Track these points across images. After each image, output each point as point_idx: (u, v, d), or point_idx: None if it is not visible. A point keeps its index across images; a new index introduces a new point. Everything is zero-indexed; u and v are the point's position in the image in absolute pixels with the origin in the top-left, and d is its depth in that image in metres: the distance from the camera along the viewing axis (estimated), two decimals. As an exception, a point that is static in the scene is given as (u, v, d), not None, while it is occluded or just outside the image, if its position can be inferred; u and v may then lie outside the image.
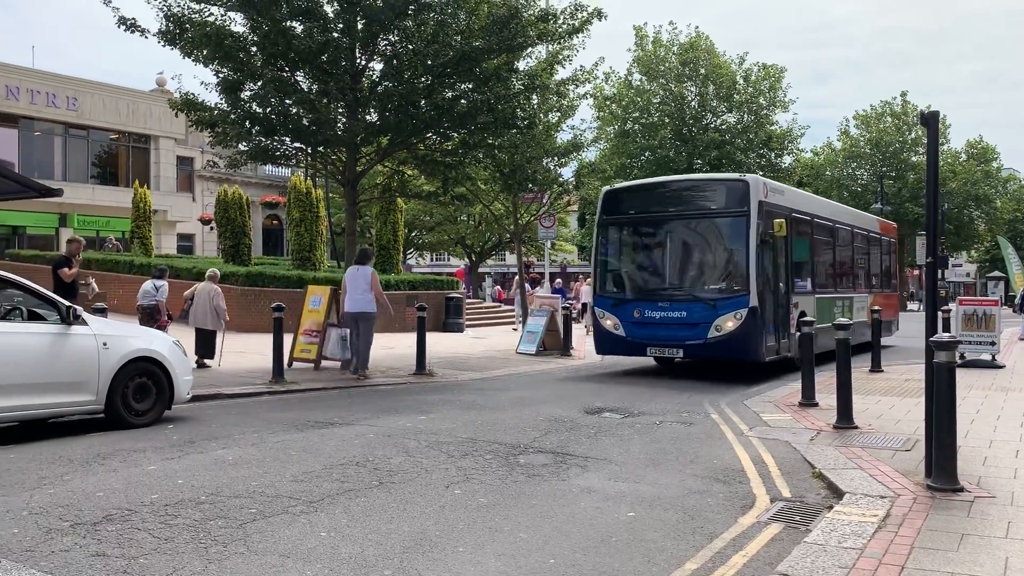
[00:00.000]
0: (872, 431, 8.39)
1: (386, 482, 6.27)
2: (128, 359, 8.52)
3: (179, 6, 12.98)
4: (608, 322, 13.97)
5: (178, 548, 4.65)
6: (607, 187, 15.08)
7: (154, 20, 13.13)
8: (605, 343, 14.23)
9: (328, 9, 13.34)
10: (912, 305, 59.35)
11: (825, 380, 11.57)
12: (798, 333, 13.19)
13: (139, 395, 8.66)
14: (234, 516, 5.27)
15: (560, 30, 14.28)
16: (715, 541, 5.02)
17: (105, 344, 8.34)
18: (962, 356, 14.45)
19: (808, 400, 10.19)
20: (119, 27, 13.03)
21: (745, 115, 40.83)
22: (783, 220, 13.00)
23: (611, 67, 43.03)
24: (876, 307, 16.79)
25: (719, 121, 40.91)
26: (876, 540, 4.81)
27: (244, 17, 13.08)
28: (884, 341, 17.47)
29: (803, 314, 13.53)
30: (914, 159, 52.91)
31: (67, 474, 6.36)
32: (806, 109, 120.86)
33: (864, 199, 51.18)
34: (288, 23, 12.92)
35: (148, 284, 14.38)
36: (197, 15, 12.98)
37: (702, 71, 40.29)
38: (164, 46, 13.12)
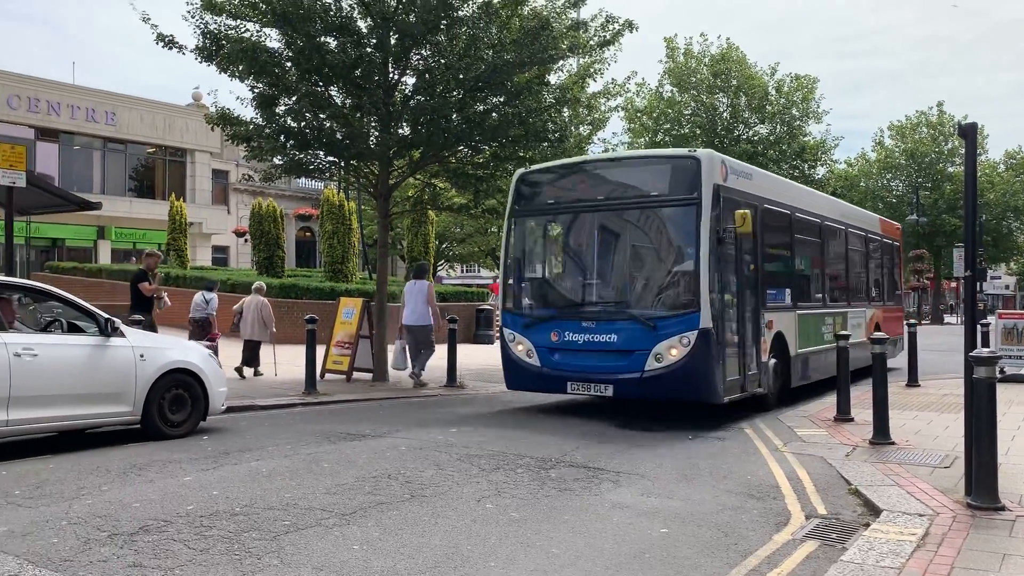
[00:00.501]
0: (909, 447, 8.26)
1: (418, 495, 6.28)
2: (164, 370, 8.64)
3: (216, 23, 13.19)
4: (519, 347, 10.77)
5: (213, 560, 4.69)
6: (521, 170, 11.75)
7: (191, 37, 13.34)
8: (515, 375, 10.98)
9: (361, 25, 13.47)
10: (950, 318, 58.47)
11: (860, 395, 11.43)
12: (772, 361, 11.26)
13: (175, 406, 8.77)
14: (268, 528, 5.31)
15: (591, 42, 14.29)
16: (749, 558, 4.96)
17: (142, 356, 8.47)
18: (1002, 371, 14.18)
19: (843, 415, 10.06)
20: (157, 43, 13.26)
21: (777, 126, 40.62)
22: (749, 212, 9.96)
23: (643, 79, 43.04)
24: (910, 321, 16.27)
25: (751, 132, 40.75)
26: (915, 559, 4.73)
27: (279, 33, 13.25)
28: (889, 363, 16.30)
29: (779, 336, 11.53)
30: (951, 170, 52.27)
31: (104, 484, 6.45)
32: (840, 120, 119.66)
33: (899, 210, 50.62)
34: (322, 39, 13.07)
35: (199, 297, 14.71)
36: (233, 31, 13.18)
37: (734, 82, 40.17)
38: (201, 62, 13.32)
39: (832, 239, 14.67)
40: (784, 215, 12.33)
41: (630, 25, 14.30)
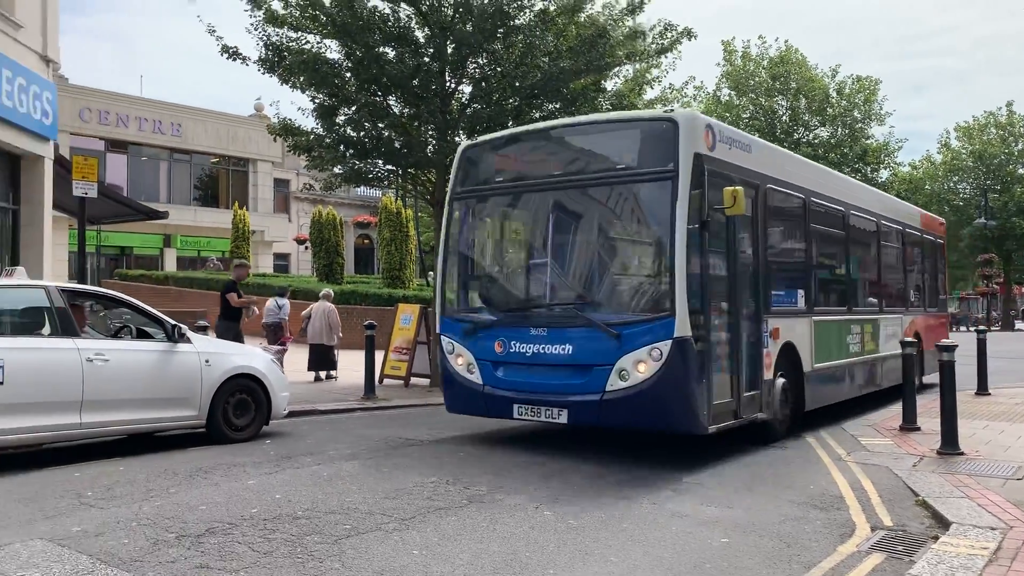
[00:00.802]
0: (979, 458, 8.01)
1: (476, 501, 6.31)
2: (229, 376, 8.85)
3: (278, 35, 13.50)
4: (459, 361, 8.81)
5: (276, 562, 4.78)
6: (466, 142, 9.67)
7: (254, 49, 13.70)
8: (454, 395, 9.02)
9: (419, 34, 13.66)
10: (1021, 324, 56.63)
11: (927, 403, 11.13)
12: (779, 379, 9.15)
13: (239, 411, 8.97)
14: (329, 532, 5.39)
15: (649, 49, 14.24)
16: (813, 570, 4.87)
17: (207, 361, 8.68)
18: (1078, 379, 13.66)
19: (909, 424, 9.80)
20: (222, 55, 13.63)
21: (839, 129, 39.98)
22: (742, 189, 7.80)
23: (700, 82, 42.69)
24: (979, 327, 15.43)
25: (811, 135, 40.15)
26: (987, 575, 4.59)
27: (339, 44, 13.51)
28: (928, 379, 13.89)
29: (789, 348, 9.43)
30: (1021, 171, 50.65)
31: (172, 487, 6.62)
32: (903, 121, 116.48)
33: (966, 213, 49.30)
34: (381, 49, 13.28)
35: (271, 303, 15.42)
36: (294, 43, 13.49)
37: (793, 85, 39.65)
38: (264, 73, 13.66)
39: (860, 232, 12.42)
40: (797, 199, 10.21)
41: (688, 33, 14.20)
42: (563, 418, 7.97)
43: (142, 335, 8.77)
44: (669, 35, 14.16)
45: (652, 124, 8.30)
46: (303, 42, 13.58)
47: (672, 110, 8.28)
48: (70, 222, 23.62)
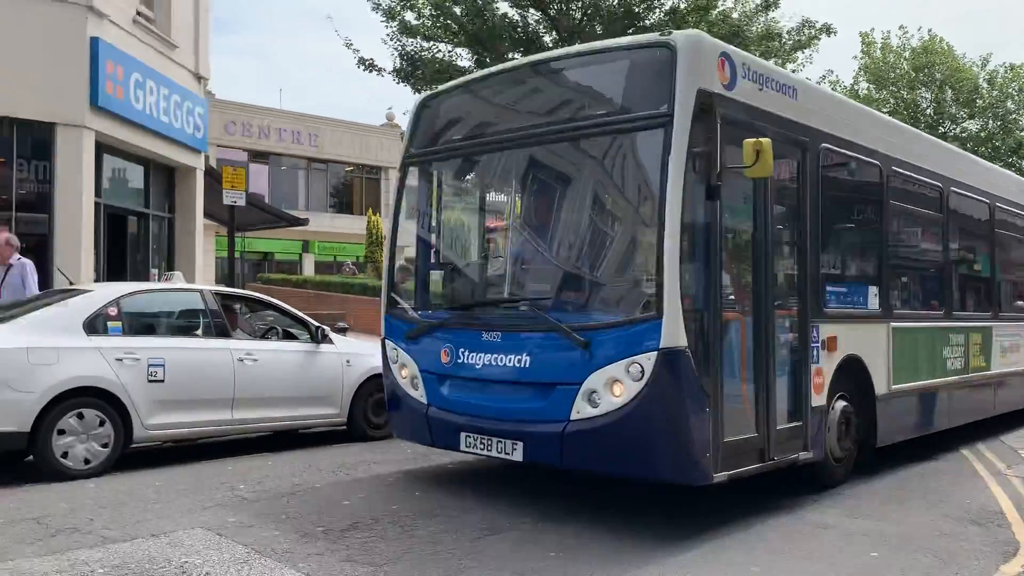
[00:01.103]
0: None
1: (614, 503, 6.26)
2: (368, 376, 9.11)
3: (412, 45, 13.91)
4: (403, 373, 6.80)
5: (417, 559, 4.89)
6: (425, 93, 7.91)
7: (388, 60, 14.19)
8: (398, 414, 7.06)
9: (547, 39, 13.76)
10: None
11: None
12: (839, 403, 6.88)
13: (377, 410, 9.23)
14: (466, 531, 5.47)
15: (785, 47, 13.86)
16: (973, 590, 4.59)
17: (348, 361, 8.99)
18: None
19: (1077, 437, 9.07)
20: (359, 67, 14.18)
21: (990, 121, 37.54)
22: (769, 142, 5.46)
23: (837, 76, 41.08)
24: None
25: (959, 129, 37.85)
26: None
27: (469, 52, 13.79)
28: None
29: (853, 363, 7.03)
30: None
31: (317, 482, 6.90)
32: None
33: None
34: (510, 55, 13.45)
35: None
36: (427, 52, 13.85)
37: (938, 76, 37.49)
38: (398, 83, 14.12)
39: (965, 217, 9.79)
40: (869, 167, 7.66)
41: (828, 29, 13.72)
42: (518, 454, 5.92)
43: (287, 336, 9.17)
44: (807, 31, 13.72)
45: (643, 52, 6.04)
46: (435, 51, 13.94)
47: (671, 34, 5.79)
48: (216, 229, 25.01)
